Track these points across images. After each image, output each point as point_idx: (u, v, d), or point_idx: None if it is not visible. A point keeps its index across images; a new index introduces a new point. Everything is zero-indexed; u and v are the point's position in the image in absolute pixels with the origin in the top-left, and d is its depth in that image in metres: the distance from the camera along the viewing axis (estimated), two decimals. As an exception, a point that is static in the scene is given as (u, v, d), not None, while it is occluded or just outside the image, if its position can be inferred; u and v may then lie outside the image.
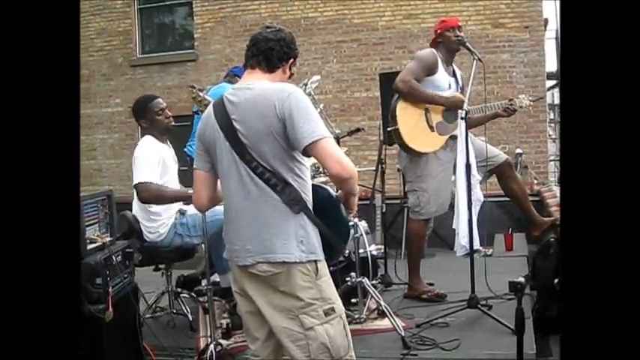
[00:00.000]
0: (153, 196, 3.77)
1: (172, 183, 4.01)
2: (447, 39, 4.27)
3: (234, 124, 2.32)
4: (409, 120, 4.16)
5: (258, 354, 2.50)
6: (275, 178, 2.30)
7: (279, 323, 2.34)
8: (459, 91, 4.36)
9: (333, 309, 2.35)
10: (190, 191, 3.84)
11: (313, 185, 2.44)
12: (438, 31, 4.30)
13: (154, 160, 3.83)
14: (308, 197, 2.37)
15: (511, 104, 4.30)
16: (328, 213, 2.41)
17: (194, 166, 2.56)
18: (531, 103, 4.36)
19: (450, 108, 4.19)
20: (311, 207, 2.36)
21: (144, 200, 3.81)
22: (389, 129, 4.26)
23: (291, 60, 2.49)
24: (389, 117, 4.33)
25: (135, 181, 3.77)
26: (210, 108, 2.47)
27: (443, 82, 4.24)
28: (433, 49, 4.31)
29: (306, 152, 2.28)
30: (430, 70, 4.19)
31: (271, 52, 2.43)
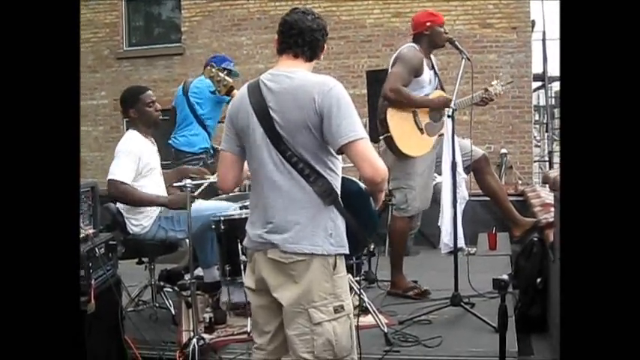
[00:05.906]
0: (120, 195, 3.76)
1: (156, 181, 3.96)
2: (436, 34, 4.21)
3: (271, 112, 2.31)
4: (400, 125, 4.12)
5: (263, 348, 2.48)
6: (308, 168, 2.30)
7: (289, 316, 2.32)
8: (438, 83, 4.34)
9: (342, 307, 2.33)
10: (162, 198, 3.84)
11: (343, 178, 2.44)
12: (428, 24, 4.20)
13: (134, 159, 3.79)
14: (339, 190, 2.37)
15: (487, 94, 4.26)
16: (357, 206, 2.41)
17: (221, 148, 2.54)
18: (503, 88, 4.35)
19: (438, 108, 4.19)
20: (340, 200, 2.37)
21: (111, 197, 3.81)
22: (381, 137, 4.22)
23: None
24: (378, 123, 4.29)
25: (109, 176, 3.74)
26: (244, 90, 2.43)
27: (426, 81, 4.22)
28: (415, 46, 4.22)
29: (341, 150, 2.29)
30: (416, 71, 4.15)
31: (317, 43, 2.42)
